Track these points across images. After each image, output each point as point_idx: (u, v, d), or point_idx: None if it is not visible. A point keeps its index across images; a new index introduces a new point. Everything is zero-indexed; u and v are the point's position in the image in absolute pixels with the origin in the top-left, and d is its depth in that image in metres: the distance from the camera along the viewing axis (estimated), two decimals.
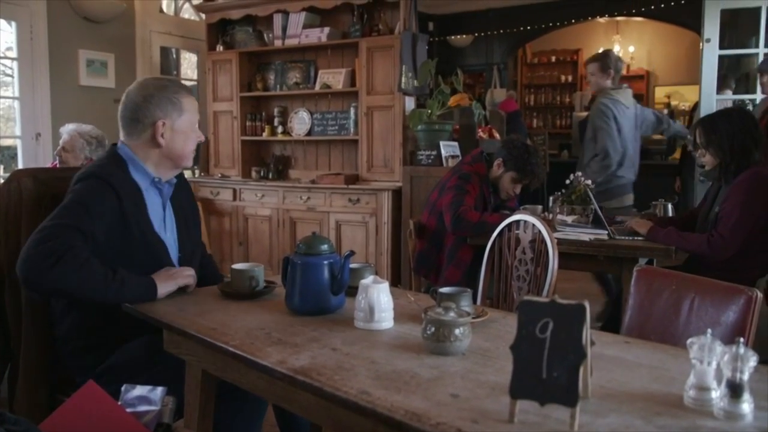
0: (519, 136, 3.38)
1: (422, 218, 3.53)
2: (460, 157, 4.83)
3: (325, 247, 1.73)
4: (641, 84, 10.38)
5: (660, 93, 10.47)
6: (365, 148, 5.19)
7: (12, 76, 5.48)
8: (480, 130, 5.28)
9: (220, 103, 5.92)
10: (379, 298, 1.60)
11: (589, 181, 3.27)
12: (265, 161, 5.87)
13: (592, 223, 3.19)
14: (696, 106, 7.68)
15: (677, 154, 8.24)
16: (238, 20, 5.83)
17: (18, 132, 5.50)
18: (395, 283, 4.95)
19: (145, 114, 2.03)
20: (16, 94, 5.43)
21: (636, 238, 2.89)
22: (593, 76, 4.31)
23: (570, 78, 10.83)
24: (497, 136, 5.61)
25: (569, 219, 3.13)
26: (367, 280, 1.65)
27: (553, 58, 10.90)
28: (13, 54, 5.39)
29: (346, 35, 5.40)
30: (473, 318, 1.60)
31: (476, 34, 9.62)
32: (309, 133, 5.63)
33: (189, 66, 7.20)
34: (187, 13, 7.08)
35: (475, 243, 3.14)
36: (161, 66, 6.54)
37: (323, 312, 1.73)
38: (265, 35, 5.74)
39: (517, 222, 2.61)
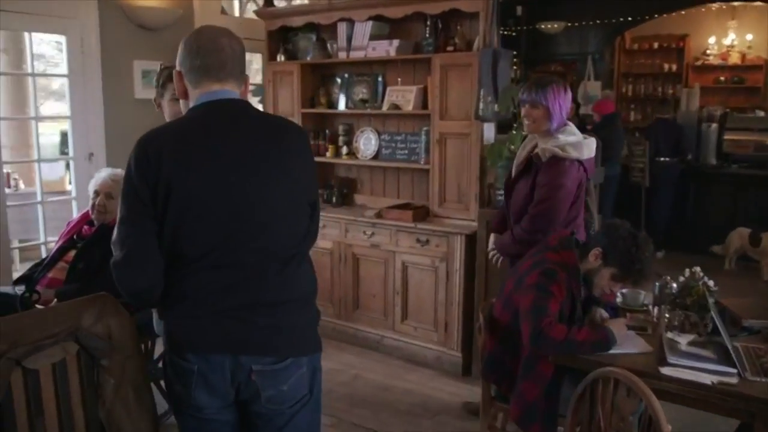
0: (623, 222, 2.67)
1: (495, 309, 2.91)
2: None
3: None
4: (759, 75, 9.23)
5: None
6: (437, 180, 4.58)
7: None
8: None
9: None
10: None
11: (711, 282, 2.56)
12: (329, 183, 5.35)
13: (710, 334, 2.49)
14: None
15: None
16: (300, 27, 5.28)
17: (70, 152, 5.19)
18: (466, 347, 4.38)
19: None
20: (68, 113, 5.10)
21: None
22: None
23: (674, 67, 9.74)
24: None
25: (683, 341, 2.42)
26: None
27: (656, 45, 9.82)
28: (64, 70, 5.05)
29: (418, 48, 4.76)
30: None
31: (569, 24, 8.70)
32: (376, 156, 5.06)
33: (254, 68, 6.72)
34: (252, 10, 6.59)
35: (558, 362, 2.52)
36: None
37: None
38: (328, 45, 5.16)
39: (615, 380, 1.96)
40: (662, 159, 7.11)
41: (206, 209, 1.75)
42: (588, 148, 3.23)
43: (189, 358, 1.80)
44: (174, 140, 1.80)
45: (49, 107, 9.00)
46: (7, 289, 2.88)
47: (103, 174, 3.69)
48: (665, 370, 2.24)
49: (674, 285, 2.71)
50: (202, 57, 1.83)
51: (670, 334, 2.49)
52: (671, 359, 2.30)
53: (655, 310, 2.79)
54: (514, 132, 4.30)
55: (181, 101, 1.98)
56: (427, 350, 4.56)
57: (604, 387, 1.99)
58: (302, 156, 1.90)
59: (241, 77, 1.91)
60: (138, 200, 1.76)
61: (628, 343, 2.52)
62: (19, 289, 3.05)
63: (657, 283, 2.83)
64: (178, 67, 1.88)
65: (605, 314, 2.74)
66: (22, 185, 7.04)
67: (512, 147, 4.23)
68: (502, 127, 4.60)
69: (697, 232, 7.06)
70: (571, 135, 3.23)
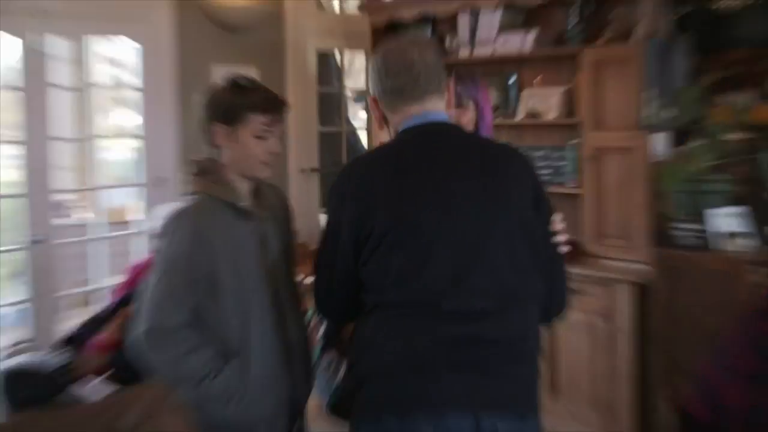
0: None
1: (691, 403, 1.95)
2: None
3: None
4: None
5: None
6: (591, 208, 3.59)
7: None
8: None
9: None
10: None
11: None
12: None
13: None
14: None
15: None
16: (412, 21, 4.39)
17: (143, 178, 4.42)
18: None
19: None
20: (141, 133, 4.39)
21: None
22: None
23: None
24: None
25: None
26: None
27: None
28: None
29: (561, 40, 3.78)
30: None
31: None
32: None
33: (357, 71, 5.89)
34: (353, 3, 5.77)
35: None
36: (319, 74, 5.23)
37: None
38: (447, 40, 4.26)
39: None
40: None
41: (427, 250, 1.57)
42: None
43: (418, 417, 1.52)
44: (386, 171, 1.64)
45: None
46: (43, 358, 2.14)
47: (157, 214, 2.95)
48: None
49: None
50: (393, 78, 1.69)
51: None
52: None
53: None
54: (697, 146, 3.29)
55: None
56: None
57: None
58: (529, 188, 1.66)
59: (441, 88, 1.72)
60: (344, 224, 1.63)
61: None
62: (60, 359, 2.32)
63: None
64: (371, 93, 1.77)
65: None
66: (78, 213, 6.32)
67: (695, 166, 3.23)
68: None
69: None
70: None
